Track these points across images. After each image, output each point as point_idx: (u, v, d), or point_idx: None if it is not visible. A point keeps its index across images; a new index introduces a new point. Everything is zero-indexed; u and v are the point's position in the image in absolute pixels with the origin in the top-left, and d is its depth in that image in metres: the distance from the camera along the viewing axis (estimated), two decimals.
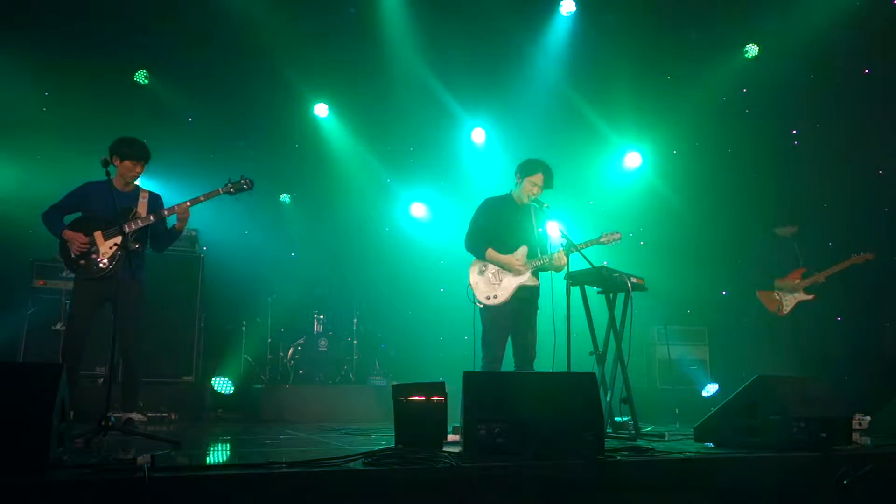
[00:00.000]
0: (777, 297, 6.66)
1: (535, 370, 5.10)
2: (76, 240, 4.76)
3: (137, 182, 5.09)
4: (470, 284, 5.14)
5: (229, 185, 4.98)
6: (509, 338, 5.12)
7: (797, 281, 6.62)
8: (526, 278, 5.07)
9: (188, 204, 4.87)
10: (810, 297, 6.62)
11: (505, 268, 5.07)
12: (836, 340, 7.51)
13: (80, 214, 4.93)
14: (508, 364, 5.24)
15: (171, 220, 5.00)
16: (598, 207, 9.05)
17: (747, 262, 7.10)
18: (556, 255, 4.99)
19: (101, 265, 4.78)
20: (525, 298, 5.10)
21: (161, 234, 5.02)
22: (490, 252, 5.10)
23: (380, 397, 6.98)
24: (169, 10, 7.52)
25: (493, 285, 5.07)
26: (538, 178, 5.13)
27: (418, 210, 9.74)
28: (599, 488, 2.98)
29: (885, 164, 7.63)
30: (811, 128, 8.13)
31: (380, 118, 8.99)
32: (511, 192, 5.31)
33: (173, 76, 8.24)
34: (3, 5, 7.06)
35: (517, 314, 5.08)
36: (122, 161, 4.85)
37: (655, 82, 8.54)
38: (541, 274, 5.21)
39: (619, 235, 5.11)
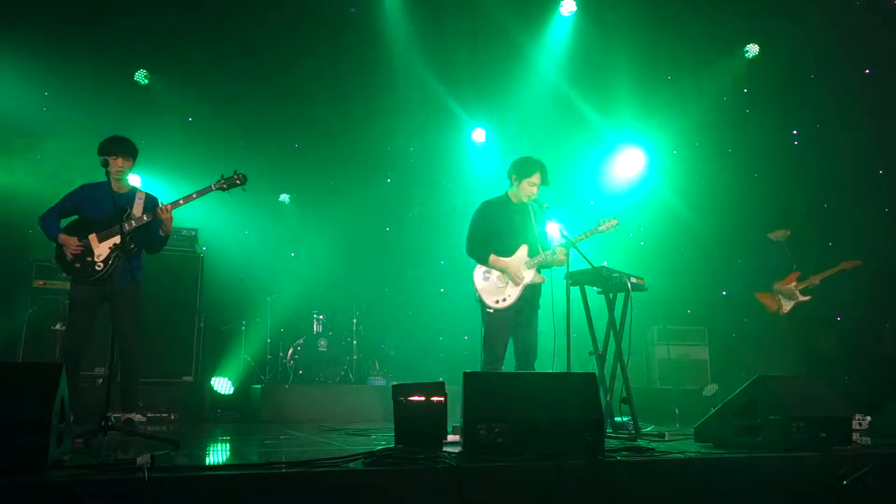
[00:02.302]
0: (776, 298, 6.75)
1: (536, 370, 5.10)
2: (69, 243, 4.76)
3: (137, 184, 5.09)
4: (477, 290, 5.13)
5: (222, 181, 4.90)
6: (510, 338, 5.13)
7: (793, 283, 6.75)
8: (531, 277, 5.08)
9: (177, 204, 4.84)
10: (807, 298, 6.76)
11: (506, 273, 5.08)
12: (835, 340, 7.52)
13: (76, 218, 4.93)
14: (509, 365, 5.24)
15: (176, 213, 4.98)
16: (598, 207, 9.05)
17: (746, 264, 7.14)
18: (557, 249, 5.00)
19: (96, 267, 4.78)
20: (528, 298, 5.11)
21: (154, 235, 4.98)
22: (493, 258, 5.10)
23: (380, 397, 6.97)
24: (169, 9, 7.52)
25: (500, 288, 5.08)
26: (536, 177, 5.12)
27: (419, 209, 9.72)
28: (599, 488, 2.97)
29: (885, 165, 7.64)
30: (811, 128, 8.13)
31: (380, 118, 8.99)
32: (507, 192, 5.29)
33: (173, 76, 8.24)
34: (3, 5, 7.06)
35: (519, 314, 5.09)
36: (105, 158, 4.80)
37: (655, 82, 8.54)
38: (542, 272, 5.21)
39: (615, 221, 5.08)
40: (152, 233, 4.95)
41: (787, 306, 6.74)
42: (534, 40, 8.70)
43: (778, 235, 6.98)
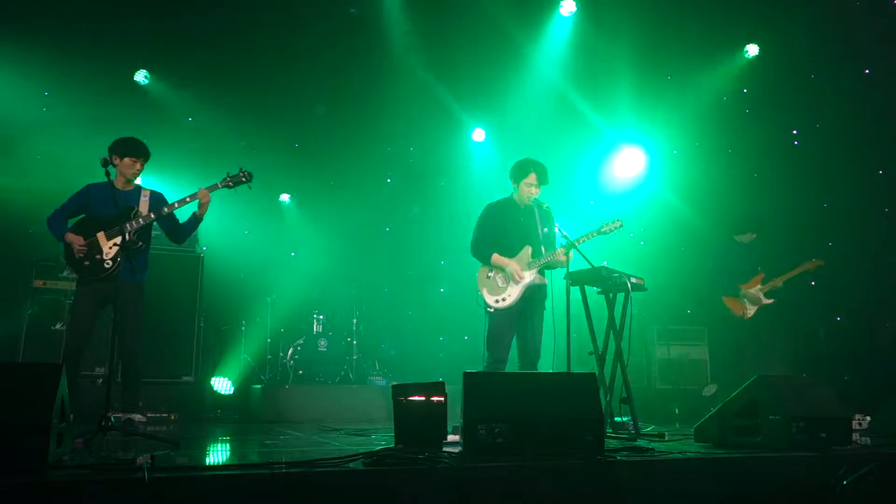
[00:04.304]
0: (742, 302, 6.80)
1: (538, 370, 5.11)
2: (75, 242, 4.81)
3: (139, 181, 5.15)
4: (479, 290, 5.17)
5: (228, 178, 5.03)
6: (513, 338, 5.14)
7: (758, 286, 6.81)
8: (532, 277, 5.09)
9: (185, 201, 4.95)
10: (770, 301, 6.80)
11: (507, 272, 5.09)
12: (835, 340, 7.52)
13: (83, 216, 4.98)
14: (513, 366, 5.24)
15: (182, 213, 5.07)
16: (598, 207, 9.05)
17: (711, 266, 7.18)
18: (557, 251, 5.02)
19: (105, 265, 4.83)
20: (530, 298, 5.12)
21: (177, 226, 5.11)
22: (495, 256, 5.14)
23: (380, 397, 6.98)
24: (169, 9, 7.52)
25: (500, 288, 5.11)
26: (532, 178, 5.16)
27: (419, 209, 9.73)
28: (599, 488, 2.97)
29: (885, 165, 7.63)
30: (811, 128, 8.13)
31: (380, 118, 8.99)
32: (512, 194, 5.34)
33: (173, 76, 8.24)
34: (3, 5, 7.05)
35: (521, 314, 5.11)
36: (121, 159, 4.89)
37: (655, 82, 8.54)
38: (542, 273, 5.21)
39: (619, 223, 5.13)
40: (173, 224, 5.08)
41: (751, 311, 6.80)
42: (533, 40, 8.70)
43: (744, 238, 7.04)
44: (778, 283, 6.75)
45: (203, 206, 4.98)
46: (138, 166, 4.97)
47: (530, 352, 5.09)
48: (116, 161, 4.88)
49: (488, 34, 8.36)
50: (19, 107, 7.46)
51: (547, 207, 5.07)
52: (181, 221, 5.13)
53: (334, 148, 9.21)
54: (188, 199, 4.96)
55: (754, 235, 7.01)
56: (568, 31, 8.61)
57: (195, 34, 7.82)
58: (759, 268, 6.87)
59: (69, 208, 4.97)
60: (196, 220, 5.08)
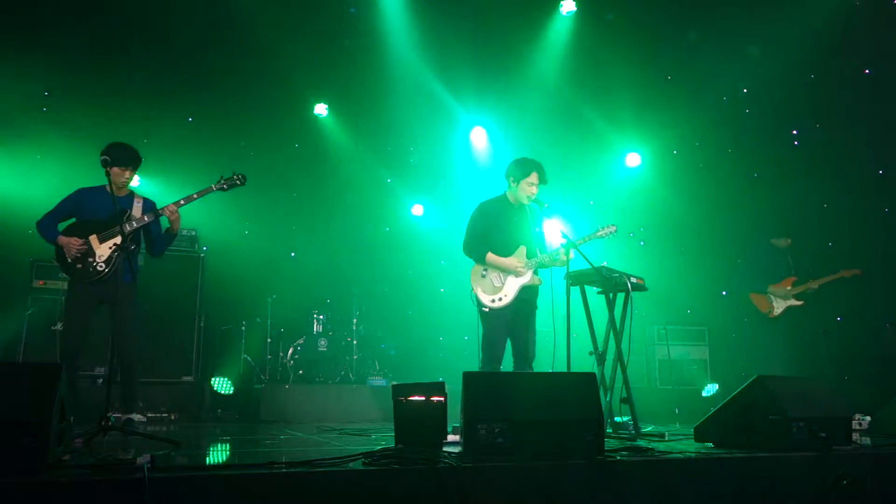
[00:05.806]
0: (769, 300, 6.83)
1: (535, 370, 5.10)
2: (71, 244, 4.79)
3: (135, 185, 5.13)
4: (473, 289, 5.12)
5: (222, 181, 4.98)
6: (508, 338, 5.12)
7: (788, 288, 6.88)
8: (528, 278, 5.07)
9: (179, 204, 4.91)
10: (800, 303, 6.89)
11: (506, 271, 5.07)
12: (835, 340, 7.53)
13: (74, 220, 4.96)
14: (508, 365, 5.23)
15: (165, 223, 5.03)
16: (598, 207, 9.06)
17: (745, 264, 7.20)
18: (560, 250, 4.99)
19: (98, 268, 4.81)
20: (525, 299, 5.10)
21: (156, 237, 5.05)
22: (490, 256, 5.09)
23: (380, 397, 6.98)
24: (169, 9, 7.51)
25: (496, 288, 5.06)
26: (534, 177, 5.11)
27: (418, 210, 9.73)
28: (599, 488, 2.97)
29: (885, 165, 7.64)
30: (811, 128, 8.13)
31: (380, 118, 8.98)
32: (505, 192, 5.29)
33: (173, 76, 8.23)
34: (4, 5, 7.05)
35: (516, 314, 5.07)
36: (111, 167, 4.83)
37: (655, 82, 8.54)
38: (541, 273, 5.20)
39: (614, 227, 5.10)
40: (154, 234, 4.99)
41: (778, 309, 6.84)
42: (534, 40, 8.70)
43: (780, 243, 7.09)
44: (813, 285, 6.83)
45: (173, 222, 4.95)
46: (127, 174, 4.94)
47: (525, 353, 5.05)
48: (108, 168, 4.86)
49: (488, 33, 8.35)
50: (19, 106, 7.46)
51: (547, 206, 5.04)
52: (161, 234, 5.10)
53: (334, 148, 9.21)
54: (182, 202, 4.92)
55: (789, 241, 7.09)
56: (568, 31, 8.61)
57: (195, 34, 7.81)
58: (793, 271, 6.94)
59: (59, 212, 4.95)
60: (170, 235, 5.06)
